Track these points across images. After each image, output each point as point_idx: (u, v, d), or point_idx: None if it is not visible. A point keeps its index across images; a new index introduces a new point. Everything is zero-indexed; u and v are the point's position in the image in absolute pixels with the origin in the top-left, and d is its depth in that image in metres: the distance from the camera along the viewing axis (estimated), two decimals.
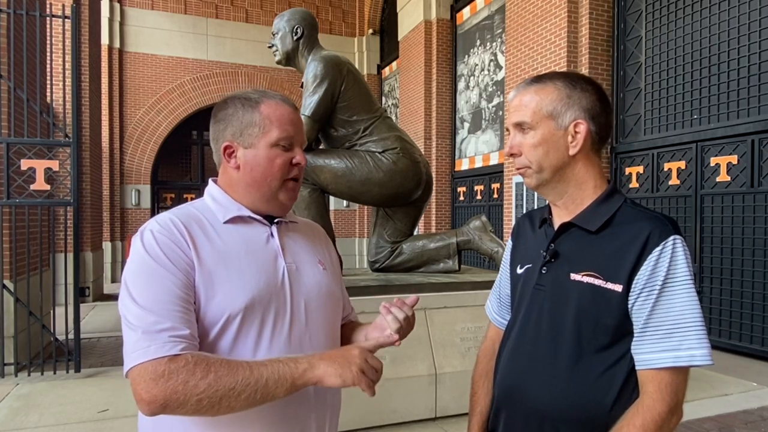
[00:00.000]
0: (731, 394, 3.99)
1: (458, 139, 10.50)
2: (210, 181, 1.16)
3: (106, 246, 11.25)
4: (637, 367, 0.99)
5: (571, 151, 1.07)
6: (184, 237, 1.01)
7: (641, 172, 6.23)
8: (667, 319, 0.96)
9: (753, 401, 3.85)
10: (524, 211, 7.38)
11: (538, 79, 1.11)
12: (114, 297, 8.78)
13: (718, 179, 5.37)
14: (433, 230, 10.45)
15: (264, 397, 0.92)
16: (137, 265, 0.98)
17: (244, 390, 0.90)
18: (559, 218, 1.13)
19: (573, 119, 1.06)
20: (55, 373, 4.35)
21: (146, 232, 1.01)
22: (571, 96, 1.07)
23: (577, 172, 1.09)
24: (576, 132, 1.06)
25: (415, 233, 4.04)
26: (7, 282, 4.36)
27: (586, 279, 1.03)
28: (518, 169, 1.13)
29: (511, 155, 1.12)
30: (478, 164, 9.72)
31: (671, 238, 0.98)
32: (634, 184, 6.30)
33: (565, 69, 6.50)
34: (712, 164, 5.43)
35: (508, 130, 1.14)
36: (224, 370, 0.91)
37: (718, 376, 4.35)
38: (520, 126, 1.09)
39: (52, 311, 4.56)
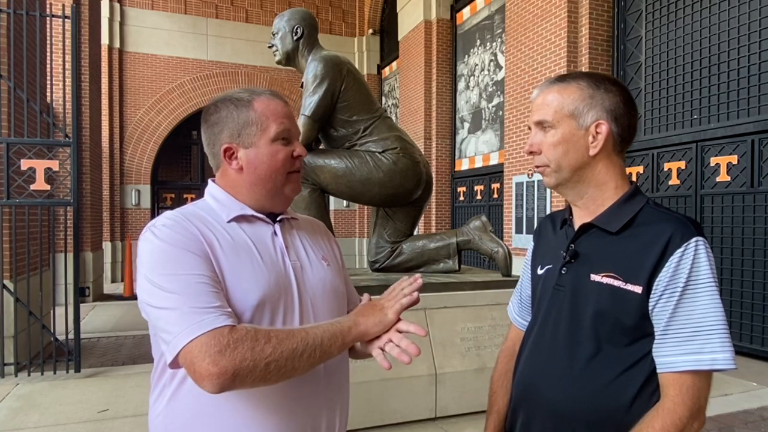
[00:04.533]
0: (731, 394, 3.99)
1: (458, 139, 10.50)
2: (210, 181, 1.15)
3: (106, 246, 11.24)
4: (658, 370, 0.98)
5: (591, 152, 1.06)
6: (194, 231, 1.00)
7: (641, 172, 6.23)
8: (688, 322, 0.95)
9: (753, 401, 3.85)
10: (524, 211, 7.38)
11: (562, 79, 1.10)
12: (114, 297, 8.79)
13: (718, 179, 5.37)
14: (433, 230, 10.45)
15: (322, 356, 0.96)
16: (157, 257, 0.95)
17: (305, 350, 0.93)
18: (579, 219, 1.12)
19: (594, 120, 1.05)
20: (55, 373, 4.35)
21: (157, 226, 0.99)
22: (594, 96, 1.06)
23: (597, 172, 1.08)
24: (597, 132, 1.05)
25: (415, 233, 4.04)
26: (7, 282, 4.36)
27: (605, 280, 1.02)
28: (537, 167, 1.12)
29: (531, 153, 1.11)
30: (478, 164, 9.72)
31: (693, 239, 0.97)
32: None
33: (564, 69, 6.51)
34: (712, 164, 5.43)
35: (529, 128, 1.14)
36: (283, 334, 0.93)
37: (719, 376, 4.35)
38: (541, 124, 1.09)
39: (52, 311, 4.56)
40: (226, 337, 0.87)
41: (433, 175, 10.04)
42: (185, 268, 0.93)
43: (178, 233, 0.98)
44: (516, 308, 1.33)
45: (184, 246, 0.96)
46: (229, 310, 0.93)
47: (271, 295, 1.02)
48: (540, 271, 1.19)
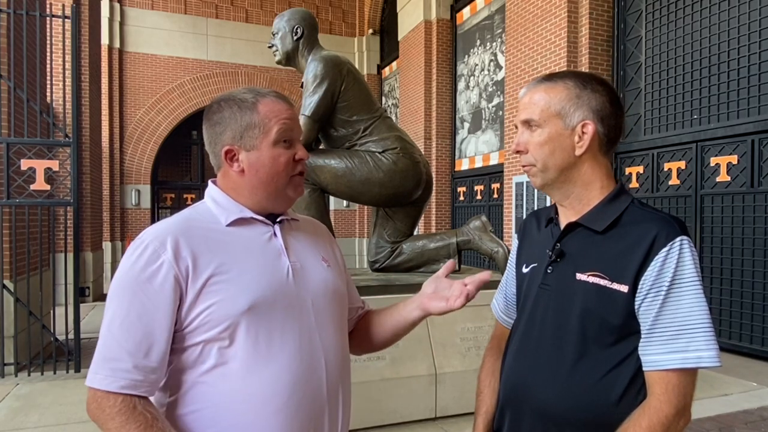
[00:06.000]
0: (731, 394, 3.99)
1: (458, 139, 10.50)
2: (210, 182, 1.14)
3: (106, 246, 11.25)
4: (644, 369, 0.99)
5: (577, 152, 1.06)
6: (179, 250, 0.99)
7: (641, 172, 6.23)
8: (674, 321, 0.96)
9: (753, 401, 3.85)
10: (524, 211, 7.38)
11: (550, 78, 1.10)
12: None
13: (718, 179, 5.37)
14: (433, 230, 10.45)
15: None
16: (119, 281, 0.99)
17: None
18: (565, 218, 1.12)
19: (581, 119, 1.05)
20: (55, 373, 4.35)
21: (138, 244, 1.00)
22: (580, 96, 1.06)
23: (584, 172, 1.08)
24: (583, 132, 1.06)
25: (415, 233, 4.04)
26: (7, 282, 4.36)
27: (591, 279, 1.03)
28: (523, 166, 1.12)
29: (518, 152, 1.12)
30: (478, 164, 9.72)
31: (678, 239, 0.98)
32: (634, 184, 6.30)
33: (564, 69, 6.51)
34: (712, 164, 5.43)
35: (516, 127, 1.13)
36: None
37: (718, 376, 4.35)
38: (527, 123, 1.09)
39: (52, 311, 4.56)
40: (110, 402, 0.94)
41: (433, 175, 10.04)
42: (133, 304, 0.96)
43: (146, 261, 0.97)
44: (501, 306, 1.34)
45: (144, 278, 0.97)
46: (144, 365, 0.95)
47: (265, 298, 1.01)
48: (525, 270, 1.19)
